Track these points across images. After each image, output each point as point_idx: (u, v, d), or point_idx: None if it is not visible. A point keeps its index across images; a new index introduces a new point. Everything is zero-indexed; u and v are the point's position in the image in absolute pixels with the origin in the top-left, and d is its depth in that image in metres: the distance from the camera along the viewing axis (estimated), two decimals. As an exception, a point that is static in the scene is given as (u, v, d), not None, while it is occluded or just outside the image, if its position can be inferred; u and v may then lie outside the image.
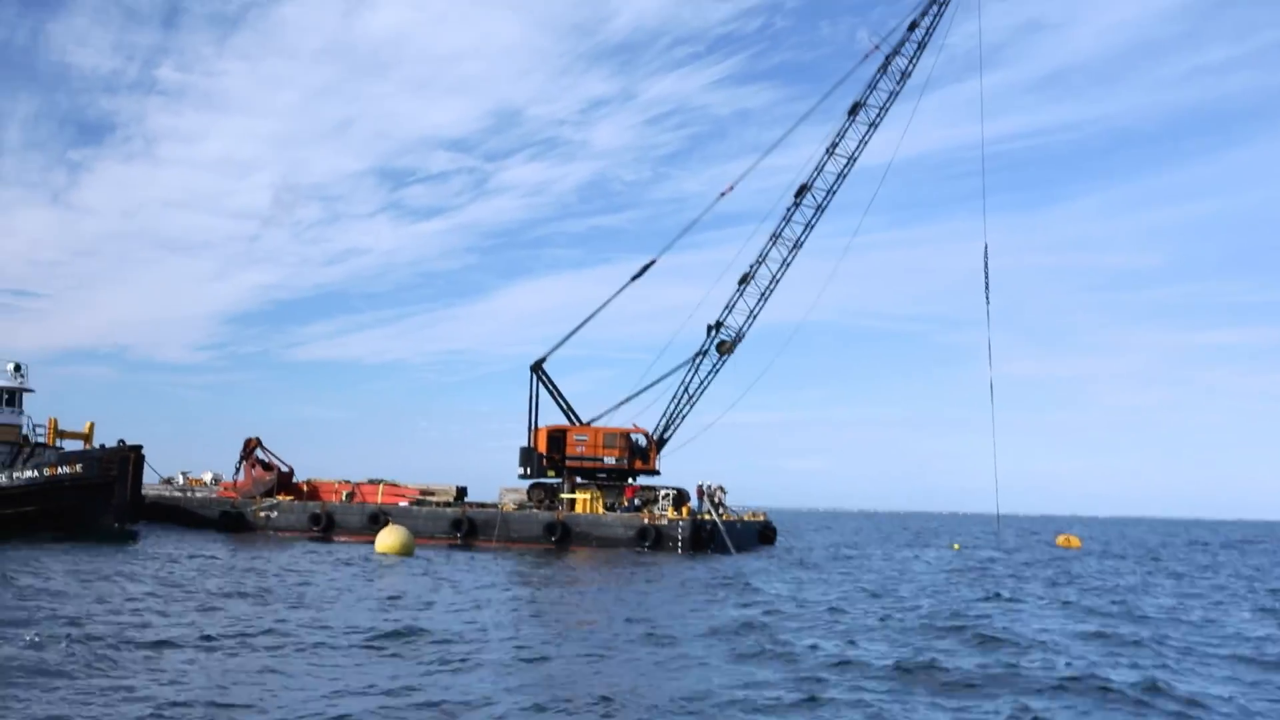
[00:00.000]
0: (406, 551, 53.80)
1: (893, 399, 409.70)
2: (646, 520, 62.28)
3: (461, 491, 70.99)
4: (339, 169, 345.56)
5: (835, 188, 67.05)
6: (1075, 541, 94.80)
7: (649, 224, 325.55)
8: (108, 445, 62.24)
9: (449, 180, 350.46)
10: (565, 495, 66.45)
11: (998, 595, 40.44)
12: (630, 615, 30.55)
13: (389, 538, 54.65)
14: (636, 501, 66.10)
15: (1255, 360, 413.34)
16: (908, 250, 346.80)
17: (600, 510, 65.02)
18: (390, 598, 33.70)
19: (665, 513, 63.36)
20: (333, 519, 66.70)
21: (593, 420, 69.63)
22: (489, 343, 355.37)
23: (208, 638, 23.94)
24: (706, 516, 64.14)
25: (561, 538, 62.33)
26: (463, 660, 22.33)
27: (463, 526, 64.26)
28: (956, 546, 77.58)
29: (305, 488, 71.42)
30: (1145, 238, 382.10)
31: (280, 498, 69.02)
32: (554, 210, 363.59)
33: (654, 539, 61.06)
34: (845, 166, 66.93)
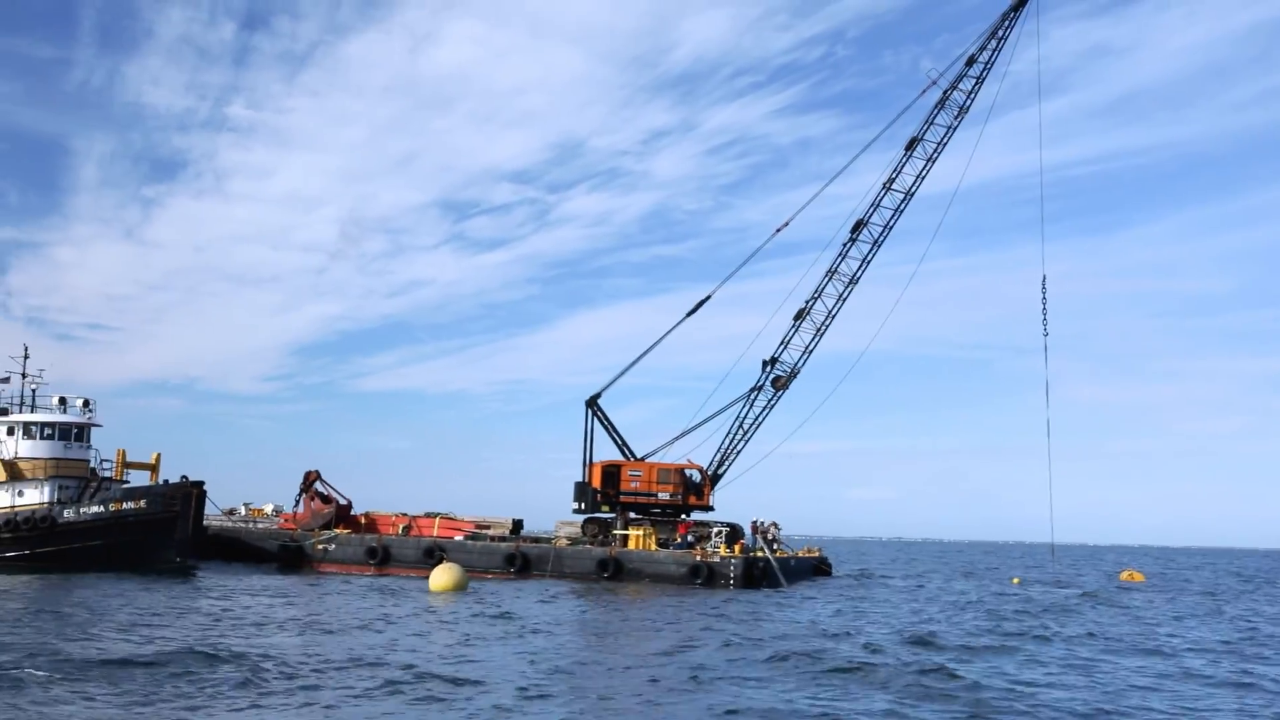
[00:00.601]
0: (459, 589, 54.72)
1: (957, 428, 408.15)
2: (699, 557, 62.47)
3: (518, 524, 71.66)
4: (403, 202, 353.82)
5: (892, 223, 67.11)
6: (1139, 576, 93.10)
7: (710, 253, 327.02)
8: (174, 477, 64.32)
9: (511, 212, 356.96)
10: (618, 531, 66.88)
11: (1041, 635, 39.97)
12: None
13: (441, 577, 55.55)
14: (690, 538, 66.35)
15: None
16: (972, 277, 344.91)
17: (653, 547, 65.34)
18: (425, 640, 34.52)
19: (717, 550, 63.51)
20: (389, 552, 67.68)
21: (647, 455, 70.22)
22: (551, 372, 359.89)
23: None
24: (759, 554, 64.24)
25: (614, 574, 62.64)
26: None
27: (516, 562, 64.80)
28: (1017, 580, 76.67)
29: (363, 520, 72.66)
30: (1217, 263, 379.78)
31: (339, 530, 70.29)
32: (615, 240, 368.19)
33: (706, 576, 61.20)
34: (902, 202, 66.94)
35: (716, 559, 62.26)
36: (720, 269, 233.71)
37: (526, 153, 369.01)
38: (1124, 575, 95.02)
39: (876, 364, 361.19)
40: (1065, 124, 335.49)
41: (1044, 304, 61.95)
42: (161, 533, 60.76)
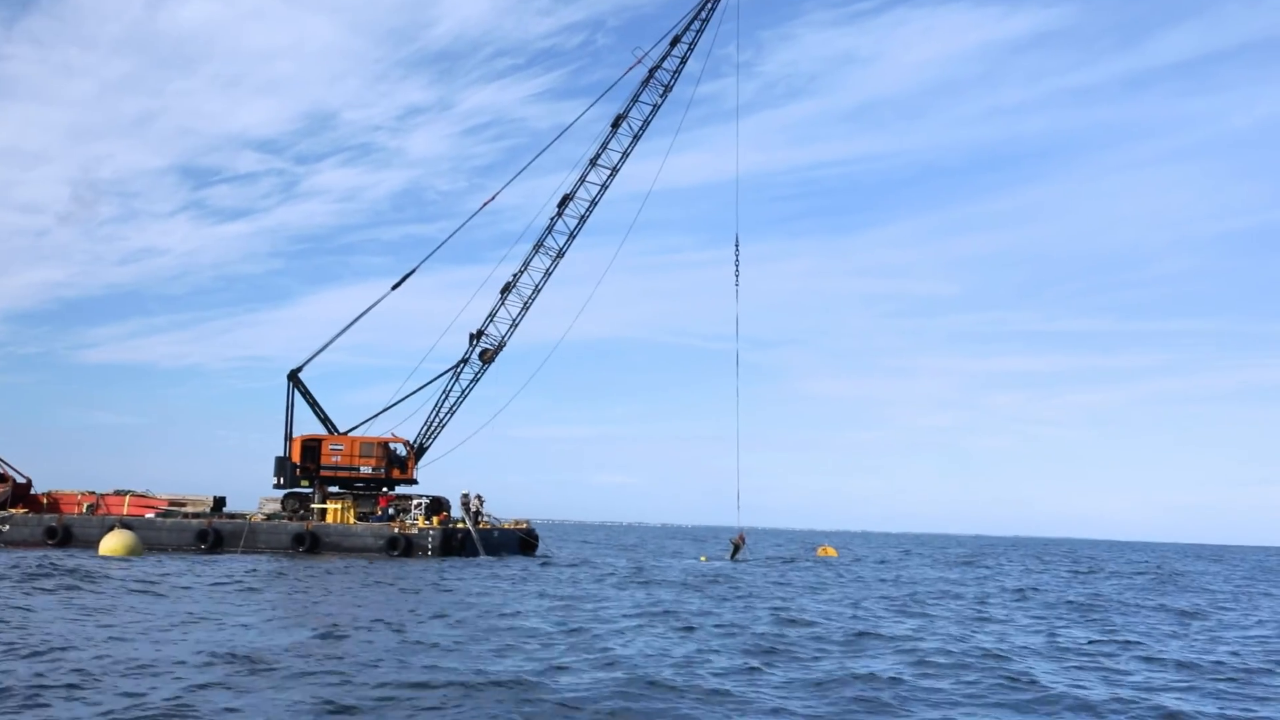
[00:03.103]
0: (131, 554, 56.33)
1: (700, 415, 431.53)
2: (397, 529, 65.68)
3: (219, 502, 73.21)
4: (136, 165, 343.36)
5: (598, 198, 72.15)
6: (832, 551, 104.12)
7: (462, 235, 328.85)
8: None
9: (256, 182, 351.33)
10: (316, 505, 69.44)
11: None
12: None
13: (111, 542, 57.12)
14: (390, 511, 69.54)
15: (1040, 387, 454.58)
16: (722, 269, 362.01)
17: (351, 520, 68.21)
18: None
19: (415, 521, 66.88)
20: (70, 532, 68.02)
21: (351, 430, 73.03)
22: (294, 349, 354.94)
23: None
24: (460, 525, 67.89)
25: (310, 547, 65.20)
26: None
27: (208, 538, 66.54)
28: (704, 558, 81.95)
29: (45, 500, 72.78)
30: (945, 267, 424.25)
31: (14, 511, 70.13)
32: (366, 217, 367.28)
33: (404, 547, 64.55)
34: (608, 178, 72.16)
35: (414, 530, 65.67)
36: (473, 251, 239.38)
37: (274, 121, 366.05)
38: (820, 551, 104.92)
39: (627, 352, 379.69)
40: (814, 126, 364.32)
41: (737, 265, 68.13)
42: None
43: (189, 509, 71.73)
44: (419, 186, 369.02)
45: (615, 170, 71.99)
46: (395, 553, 64.27)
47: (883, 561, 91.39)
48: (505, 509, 73.61)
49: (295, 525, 67.13)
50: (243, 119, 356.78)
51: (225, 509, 73.24)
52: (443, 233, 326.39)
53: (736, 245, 69.35)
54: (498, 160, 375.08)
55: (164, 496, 73.32)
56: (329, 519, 68.65)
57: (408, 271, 73.16)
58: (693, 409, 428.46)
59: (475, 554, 66.78)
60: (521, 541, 73.90)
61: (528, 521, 76.96)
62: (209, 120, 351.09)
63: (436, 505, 70.76)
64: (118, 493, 72.88)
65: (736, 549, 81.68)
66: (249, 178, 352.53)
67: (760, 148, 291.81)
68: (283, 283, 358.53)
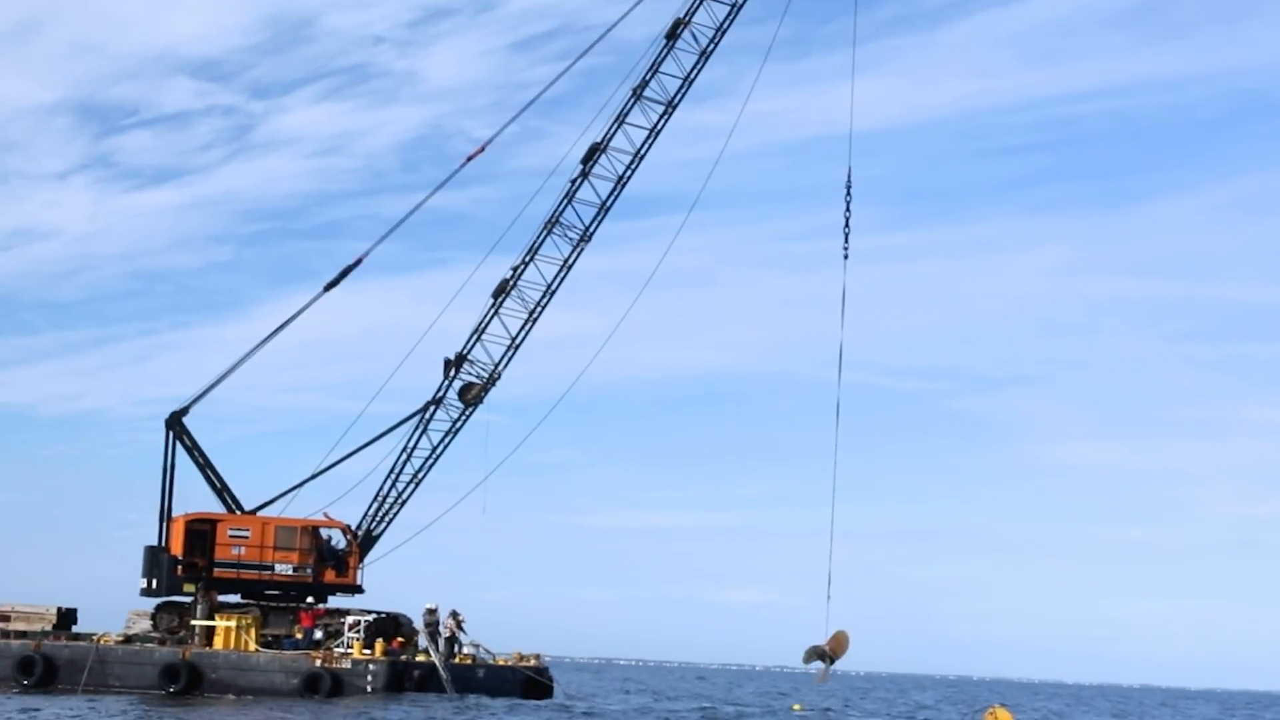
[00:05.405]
0: None
1: (879, 498, 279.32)
2: (320, 662, 50.56)
3: (67, 616, 57.77)
4: (12, 100, 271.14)
5: (644, 149, 54.80)
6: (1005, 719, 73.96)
7: (509, 207, 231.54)
8: None
9: (192, 125, 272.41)
10: (199, 621, 53.13)
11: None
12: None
13: None
14: (316, 634, 53.55)
15: None
16: (915, 264, 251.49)
17: (251, 646, 52.44)
18: None
19: (350, 650, 51.04)
20: None
21: (262, 507, 57.44)
22: (249, 388, 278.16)
23: None
24: (423, 658, 51.76)
25: (188, 686, 50.93)
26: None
27: (35, 669, 52.22)
28: (798, 707, 63.08)
29: None
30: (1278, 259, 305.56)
31: None
32: (359, 180, 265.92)
33: (329, 689, 49.64)
34: (661, 117, 54.07)
35: (347, 664, 50.38)
36: (524, 229, 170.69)
37: (220, 33, 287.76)
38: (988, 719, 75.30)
39: (762, 394, 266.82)
40: (1070, 33, 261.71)
41: (848, 193, 45.87)
42: None
43: (17, 625, 55.95)
44: (442, 132, 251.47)
45: (672, 105, 54.40)
46: (317, 697, 48.88)
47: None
48: (576, 644, 53.51)
49: (166, 652, 52.11)
50: (172, 30, 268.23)
51: (75, 626, 57.25)
52: (482, 204, 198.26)
53: (848, 188, 47.51)
54: (568, 90, 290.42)
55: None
56: (217, 644, 52.43)
57: (348, 265, 55.96)
58: (868, 487, 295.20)
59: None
60: (527, 686, 55.67)
61: (538, 656, 58.95)
62: (120, 32, 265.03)
63: (392, 625, 54.65)
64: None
65: (824, 657, 58.17)
66: (180, 120, 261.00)
67: (978, 68, 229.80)
68: (233, 284, 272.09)
